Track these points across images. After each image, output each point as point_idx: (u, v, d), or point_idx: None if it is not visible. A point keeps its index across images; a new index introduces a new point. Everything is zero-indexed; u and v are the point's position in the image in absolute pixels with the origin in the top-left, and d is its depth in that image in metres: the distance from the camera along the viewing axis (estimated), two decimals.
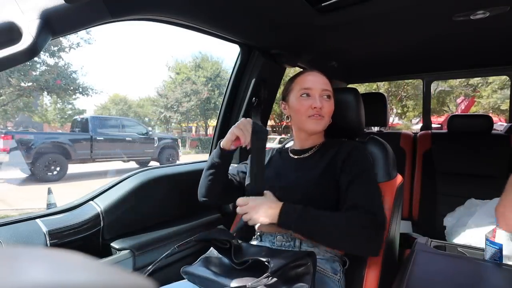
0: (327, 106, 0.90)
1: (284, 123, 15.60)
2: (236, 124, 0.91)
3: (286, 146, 1.09)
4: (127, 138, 8.09)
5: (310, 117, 0.89)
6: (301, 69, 1.14)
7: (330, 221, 0.75)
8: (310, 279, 0.67)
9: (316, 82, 0.91)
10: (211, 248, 0.86)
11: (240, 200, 0.83)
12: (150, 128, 9.01)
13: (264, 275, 0.64)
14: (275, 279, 0.66)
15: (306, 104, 0.89)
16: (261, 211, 0.78)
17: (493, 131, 1.89)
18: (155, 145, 8.56)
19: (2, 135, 6.24)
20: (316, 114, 0.89)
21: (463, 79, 11.75)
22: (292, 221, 0.75)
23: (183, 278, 0.84)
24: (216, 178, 0.96)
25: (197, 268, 0.80)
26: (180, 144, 9.89)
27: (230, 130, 0.91)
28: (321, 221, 0.75)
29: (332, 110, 0.93)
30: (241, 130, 0.88)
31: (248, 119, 0.92)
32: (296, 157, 0.96)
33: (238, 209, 0.82)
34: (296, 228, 0.76)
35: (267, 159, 1.03)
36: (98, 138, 7.44)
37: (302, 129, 0.94)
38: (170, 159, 8.98)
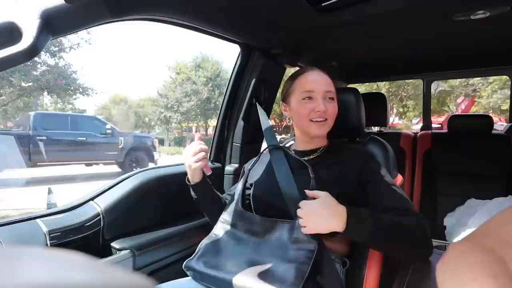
0: (330, 108, 0.86)
1: (284, 123, 15.61)
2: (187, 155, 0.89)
3: (286, 145, 1.04)
4: (78, 138, 6.57)
5: (313, 121, 0.86)
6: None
7: (397, 225, 0.69)
8: (311, 260, 0.69)
9: (318, 84, 0.87)
10: (211, 232, 0.89)
11: (301, 212, 0.71)
12: (109, 126, 7.08)
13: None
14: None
15: (308, 108, 0.86)
16: (321, 218, 0.68)
17: (493, 131, 1.89)
18: (120, 146, 6.99)
19: None
20: (319, 117, 0.86)
21: (463, 79, 11.75)
22: (361, 228, 0.68)
23: (184, 276, 0.85)
24: (210, 204, 0.98)
25: (198, 264, 0.80)
26: (157, 146, 8.01)
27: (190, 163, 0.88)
28: (390, 225, 0.69)
29: (336, 111, 0.89)
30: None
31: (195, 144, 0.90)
32: (306, 158, 0.92)
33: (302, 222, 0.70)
34: (367, 237, 0.68)
35: (267, 160, 1.01)
36: (39, 137, 6.01)
37: (305, 132, 0.91)
38: (135, 166, 7.06)
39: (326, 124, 0.87)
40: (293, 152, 0.95)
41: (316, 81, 0.87)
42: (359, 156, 0.86)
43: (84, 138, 6.65)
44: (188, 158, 0.87)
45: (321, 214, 0.68)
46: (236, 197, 0.92)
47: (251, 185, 0.96)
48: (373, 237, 0.68)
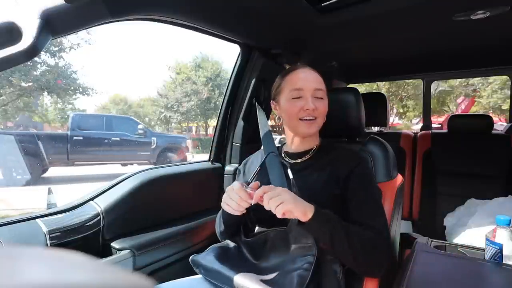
0: (320, 106, 0.85)
1: None
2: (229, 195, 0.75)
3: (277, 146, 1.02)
4: (113, 138, 6.71)
5: (302, 120, 0.84)
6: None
7: (356, 234, 0.71)
8: (312, 266, 0.68)
9: (308, 81, 0.85)
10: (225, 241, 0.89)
11: (266, 187, 0.69)
12: (141, 126, 7.19)
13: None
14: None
15: (297, 106, 0.84)
16: (293, 201, 0.68)
17: (493, 131, 1.89)
18: (153, 147, 7.06)
19: None
20: (308, 116, 0.84)
21: (463, 79, 11.75)
22: (323, 224, 0.69)
23: (184, 276, 0.85)
24: (238, 224, 0.89)
25: (205, 258, 0.81)
26: (190, 146, 7.95)
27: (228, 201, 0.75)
28: (349, 232, 0.70)
29: (325, 110, 0.87)
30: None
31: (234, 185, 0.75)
32: (292, 161, 0.91)
33: (266, 196, 0.68)
34: (324, 232, 0.69)
35: (259, 163, 0.98)
36: (75, 137, 6.24)
37: (295, 132, 0.90)
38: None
39: (315, 122, 0.85)
40: (283, 154, 0.94)
41: (306, 79, 0.85)
42: (350, 158, 0.85)
43: (118, 138, 6.76)
44: (234, 202, 0.74)
45: (294, 197, 0.69)
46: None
47: None
48: (332, 237, 0.70)
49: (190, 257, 0.84)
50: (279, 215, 0.66)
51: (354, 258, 0.71)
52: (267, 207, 0.67)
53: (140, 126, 7.14)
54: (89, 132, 6.51)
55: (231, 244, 0.88)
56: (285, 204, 0.66)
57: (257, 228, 0.89)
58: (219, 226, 0.93)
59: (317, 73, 0.89)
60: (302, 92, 0.84)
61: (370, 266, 0.73)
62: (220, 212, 0.92)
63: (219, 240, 0.95)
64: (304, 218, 0.68)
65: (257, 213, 0.87)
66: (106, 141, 6.64)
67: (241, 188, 0.73)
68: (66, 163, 6.21)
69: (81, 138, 6.35)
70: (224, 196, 0.77)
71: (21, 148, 5.56)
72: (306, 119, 0.85)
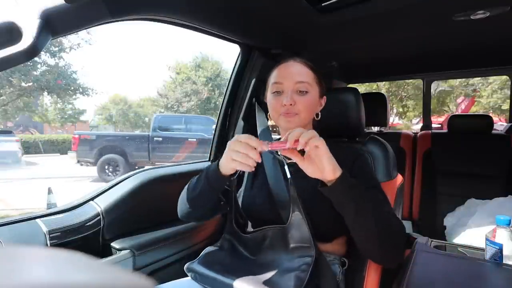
0: (300, 102, 0.78)
1: None
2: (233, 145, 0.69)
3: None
4: (189, 139, 6.83)
5: (282, 115, 0.80)
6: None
7: (382, 211, 0.67)
8: (309, 267, 0.68)
9: (288, 75, 0.80)
10: (217, 243, 0.87)
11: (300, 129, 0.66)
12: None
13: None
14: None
15: (278, 101, 0.80)
16: (328, 153, 0.65)
17: (493, 131, 1.89)
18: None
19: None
20: (287, 111, 0.79)
21: (463, 79, 11.74)
22: (349, 189, 0.65)
23: (184, 276, 0.85)
24: (209, 200, 0.81)
25: (199, 266, 0.80)
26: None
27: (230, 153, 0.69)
28: (376, 207, 0.67)
29: (308, 104, 0.80)
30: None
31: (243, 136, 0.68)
32: (288, 161, 0.88)
33: (306, 135, 0.63)
34: (348, 200, 0.65)
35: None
36: (156, 138, 6.59)
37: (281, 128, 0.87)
38: None
39: (296, 117, 0.80)
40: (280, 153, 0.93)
41: (286, 73, 0.81)
42: (349, 155, 0.84)
43: (194, 139, 6.92)
44: (239, 154, 0.67)
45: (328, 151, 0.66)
46: (232, 213, 0.87)
47: (242, 193, 0.93)
48: (357, 207, 0.65)
49: (185, 266, 0.82)
50: (309, 148, 0.63)
51: (378, 238, 0.65)
52: (301, 141, 0.63)
53: (214, 126, 7.12)
54: (168, 133, 6.86)
55: (225, 244, 0.86)
56: (317, 139, 0.63)
57: (250, 228, 0.88)
58: (185, 200, 0.83)
59: (305, 65, 0.83)
60: (282, 86, 0.80)
61: (393, 249, 0.69)
62: (192, 182, 0.84)
63: (210, 237, 0.93)
64: (331, 175, 0.64)
65: (251, 213, 0.86)
66: (183, 141, 6.85)
67: (248, 135, 0.67)
68: (148, 162, 6.67)
69: (161, 138, 6.68)
70: (229, 150, 0.69)
71: (113, 148, 6.53)
72: (286, 114, 0.81)
